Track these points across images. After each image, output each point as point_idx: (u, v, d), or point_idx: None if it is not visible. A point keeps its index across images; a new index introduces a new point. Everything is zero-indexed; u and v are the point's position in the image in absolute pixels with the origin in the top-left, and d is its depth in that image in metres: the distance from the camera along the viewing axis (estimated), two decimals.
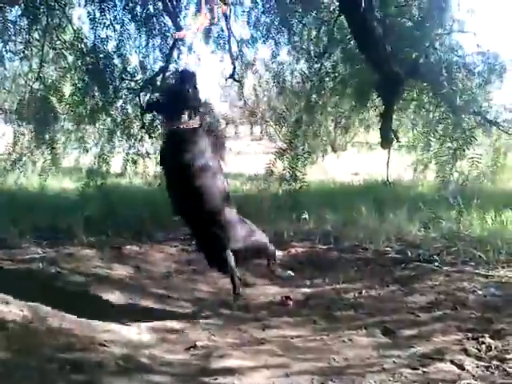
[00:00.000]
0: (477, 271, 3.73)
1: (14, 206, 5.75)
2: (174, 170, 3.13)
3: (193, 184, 3.03)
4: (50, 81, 5.99)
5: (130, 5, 5.74)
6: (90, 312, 2.98)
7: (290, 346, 2.71)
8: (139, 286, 3.71)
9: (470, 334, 2.64)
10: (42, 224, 5.22)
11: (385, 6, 5.51)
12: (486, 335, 2.59)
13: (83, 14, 6.22)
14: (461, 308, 3.03)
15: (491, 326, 2.73)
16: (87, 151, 6.52)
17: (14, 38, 6.12)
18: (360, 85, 6.25)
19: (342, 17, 5.62)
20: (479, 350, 2.47)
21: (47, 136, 5.67)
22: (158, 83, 5.93)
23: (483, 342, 2.52)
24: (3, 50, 6.16)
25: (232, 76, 6.46)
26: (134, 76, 5.96)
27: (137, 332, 2.82)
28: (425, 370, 2.30)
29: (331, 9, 6.09)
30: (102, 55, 5.59)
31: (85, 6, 5.97)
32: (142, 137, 6.05)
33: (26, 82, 6.49)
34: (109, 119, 5.94)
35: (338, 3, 5.66)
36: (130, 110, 6.10)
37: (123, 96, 5.93)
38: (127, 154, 6.03)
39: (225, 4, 3.62)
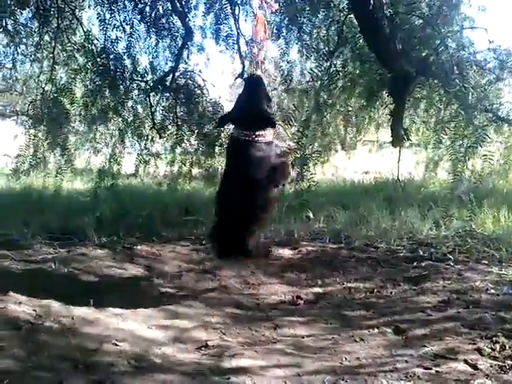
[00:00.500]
0: (490, 270, 3.70)
1: (26, 207, 5.81)
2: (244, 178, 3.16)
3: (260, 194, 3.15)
4: (61, 83, 6.04)
5: (140, 6, 5.77)
6: (102, 311, 3.00)
7: (301, 345, 2.71)
8: (151, 286, 3.72)
9: (483, 334, 2.62)
10: (53, 224, 5.27)
11: (395, 3, 5.47)
12: (500, 334, 2.56)
13: (93, 15, 6.27)
14: (474, 307, 3.00)
15: (505, 325, 2.70)
16: (98, 152, 6.58)
17: (25, 40, 6.20)
18: (370, 83, 6.22)
19: (352, 15, 5.59)
20: (493, 350, 2.44)
21: (60, 137, 5.71)
22: (168, 83, 5.95)
23: (497, 342, 2.50)
24: (15, 52, 6.24)
25: (241, 75, 6.46)
26: (144, 76, 5.99)
27: (149, 331, 2.83)
28: (438, 369, 2.29)
29: (341, 7, 6.06)
30: (112, 56, 5.62)
31: (95, 7, 6.02)
32: (152, 137, 6.08)
33: (37, 84, 6.56)
34: (120, 120, 5.97)
35: (347, 1, 5.64)
36: (140, 111, 6.13)
37: (133, 97, 5.97)
38: (139, 154, 6.07)
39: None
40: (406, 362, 2.39)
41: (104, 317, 2.92)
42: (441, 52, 5.17)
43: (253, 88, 3.26)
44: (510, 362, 2.30)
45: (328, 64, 5.93)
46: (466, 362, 2.34)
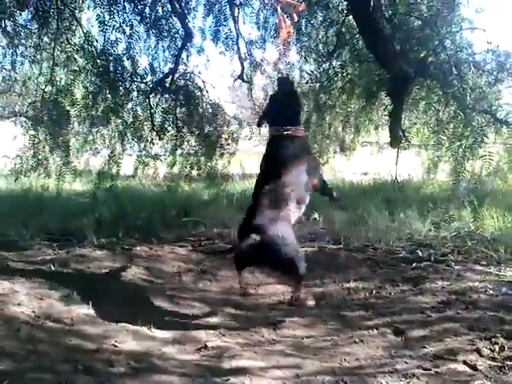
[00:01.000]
0: (489, 270, 3.69)
1: (25, 208, 5.80)
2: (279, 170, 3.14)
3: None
4: (61, 84, 6.04)
5: (139, 7, 5.77)
6: (101, 312, 3.00)
7: (301, 346, 2.71)
8: (150, 287, 3.72)
9: (482, 334, 2.62)
10: (52, 226, 5.27)
11: (393, 4, 5.49)
12: (499, 335, 2.56)
13: (93, 17, 6.28)
14: (473, 308, 3.00)
15: (504, 326, 2.70)
16: (98, 153, 6.59)
17: (24, 41, 6.20)
18: (369, 84, 6.23)
19: (351, 16, 5.61)
20: (492, 351, 2.45)
21: (60, 139, 5.71)
22: (168, 85, 5.96)
23: (496, 343, 2.50)
24: (14, 53, 6.25)
25: (241, 77, 6.48)
26: (144, 78, 6.00)
27: (148, 332, 2.83)
28: (437, 370, 2.29)
29: (339, 8, 6.08)
30: (111, 58, 5.62)
31: (94, 8, 6.02)
32: (152, 139, 6.09)
33: (36, 85, 6.57)
34: (119, 121, 5.97)
35: (346, 3, 5.65)
36: (140, 112, 6.14)
37: (133, 98, 5.97)
38: (139, 156, 6.07)
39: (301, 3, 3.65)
40: (406, 362, 2.40)
41: (103, 318, 2.92)
42: (439, 53, 5.18)
43: (286, 88, 3.44)
44: (509, 363, 2.30)
45: (327, 65, 5.95)
46: (465, 362, 2.34)
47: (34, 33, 6.00)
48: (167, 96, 6.08)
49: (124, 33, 5.69)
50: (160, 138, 6.05)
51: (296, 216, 3.15)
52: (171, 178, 6.32)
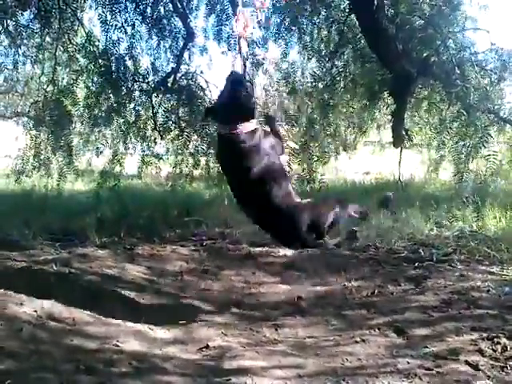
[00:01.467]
0: (491, 270, 3.69)
1: (28, 208, 5.82)
2: (239, 174, 3.06)
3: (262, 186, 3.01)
4: (63, 84, 6.05)
5: (141, 7, 5.77)
6: (104, 312, 3.00)
7: (302, 345, 2.70)
8: (152, 286, 3.73)
9: (484, 334, 2.61)
10: (55, 225, 5.28)
11: (396, 3, 5.47)
12: (501, 335, 2.55)
13: (94, 16, 6.29)
14: (475, 307, 2.99)
15: (506, 326, 2.69)
16: (101, 153, 6.59)
17: (26, 41, 6.21)
18: (371, 84, 6.21)
19: (353, 16, 5.59)
20: (494, 351, 2.44)
21: (62, 139, 5.71)
22: (170, 85, 5.96)
23: (498, 342, 2.49)
24: (16, 53, 6.26)
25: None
26: (146, 78, 5.99)
27: (150, 332, 2.83)
28: (439, 370, 2.28)
29: (342, 8, 6.06)
30: (113, 57, 5.62)
31: (96, 8, 6.03)
32: (154, 138, 6.09)
33: (38, 85, 6.58)
34: (122, 121, 5.97)
35: (348, 2, 5.64)
36: (142, 112, 6.13)
37: (135, 98, 5.97)
38: (142, 155, 6.07)
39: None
40: (407, 362, 2.39)
41: (105, 317, 2.93)
42: (442, 52, 5.16)
43: (232, 83, 3.14)
44: (511, 363, 2.30)
45: (329, 65, 5.93)
46: (467, 362, 2.33)
47: (36, 33, 6.01)
48: (169, 96, 6.08)
49: (126, 32, 5.70)
50: (162, 138, 6.06)
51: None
52: (173, 177, 6.31)
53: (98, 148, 6.71)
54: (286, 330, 2.97)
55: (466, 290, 3.29)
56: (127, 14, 5.74)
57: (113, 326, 2.82)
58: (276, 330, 2.96)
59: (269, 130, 3.25)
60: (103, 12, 5.67)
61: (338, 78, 6.16)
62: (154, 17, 5.83)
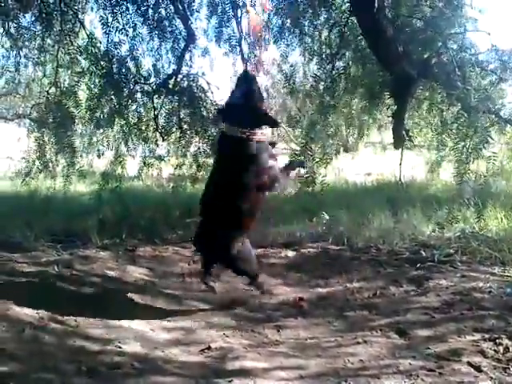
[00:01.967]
0: (493, 271, 3.68)
1: (30, 210, 5.83)
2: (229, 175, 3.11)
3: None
4: (65, 86, 6.05)
5: (142, 9, 5.78)
6: (105, 313, 3.00)
7: (304, 347, 2.71)
8: (153, 287, 3.73)
9: (486, 335, 2.61)
10: (56, 227, 5.29)
11: (396, 5, 5.47)
12: (504, 336, 2.55)
13: (96, 18, 6.30)
14: (477, 308, 2.99)
15: (509, 327, 2.69)
16: (102, 154, 6.59)
17: (27, 43, 6.22)
18: (372, 85, 6.22)
19: (353, 17, 5.60)
20: (496, 352, 2.44)
21: (65, 140, 5.71)
22: (171, 86, 5.96)
23: (500, 343, 2.49)
24: (18, 55, 6.27)
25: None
26: (148, 79, 6.00)
27: (152, 333, 2.84)
28: (441, 371, 2.28)
29: (342, 9, 6.07)
30: (115, 59, 5.63)
31: (97, 10, 6.05)
32: (156, 140, 6.09)
33: (40, 87, 6.59)
34: (123, 122, 5.97)
35: (349, 4, 5.65)
36: (144, 114, 6.14)
37: (137, 99, 5.97)
38: (144, 157, 6.07)
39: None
40: (409, 363, 2.39)
41: (107, 319, 2.93)
42: (442, 54, 5.16)
43: (247, 85, 3.17)
44: None
45: (330, 66, 5.94)
46: (469, 363, 2.33)
47: (38, 35, 6.01)
48: (171, 97, 6.08)
49: (127, 34, 5.69)
50: (164, 139, 6.06)
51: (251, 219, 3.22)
52: (175, 179, 6.31)
53: (99, 150, 6.72)
54: (287, 331, 2.97)
55: (467, 291, 3.28)
56: (128, 16, 5.73)
57: (115, 328, 2.83)
58: (278, 331, 2.97)
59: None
60: (104, 14, 5.67)
61: (339, 80, 6.15)
62: (156, 18, 5.83)
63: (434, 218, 5.03)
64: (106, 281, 3.73)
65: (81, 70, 5.94)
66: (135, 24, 5.75)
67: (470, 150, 4.64)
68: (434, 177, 6.77)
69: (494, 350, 2.45)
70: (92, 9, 6.39)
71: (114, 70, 5.60)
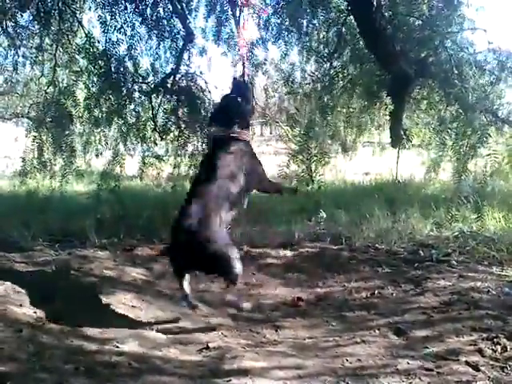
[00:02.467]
0: (491, 271, 3.69)
1: (27, 209, 5.82)
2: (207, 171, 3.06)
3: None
4: (63, 85, 6.05)
5: (140, 8, 5.77)
6: (103, 313, 3.00)
7: (302, 346, 2.71)
8: (152, 287, 3.73)
9: (484, 335, 2.61)
10: (54, 226, 5.28)
11: (394, 4, 5.48)
12: (501, 335, 2.56)
13: (94, 18, 6.29)
14: (475, 308, 2.99)
15: (506, 326, 2.69)
16: (101, 154, 6.59)
17: (25, 42, 6.21)
18: (370, 84, 6.23)
19: (351, 17, 5.60)
20: (494, 351, 2.44)
21: (63, 140, 5.71)
22: (170, 86, 5.96)
23: (498, 343, 2.49)
24: (15, 55, 6.26)
25: (242, 77, 6.47)
26: (146, 78, 6.00)
27: (150, 333, 2.83)
28: (439, 371, 2.29)
29: (340, 9, 6.07)
30: (113, 58, 5.62)
31: (95, 9, 6.04)
32: (154, 139, 6.09)
33: (38, 86, 6.58)
34: (122, 122, 5.97)
35: (346, 3, 5.65)
36: (142, 113, 6.13)
37: (135, 99, 5.97)
38: (142, 156, 6.07)
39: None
40: (408, 363, 2.39)
41: (105, 318, 2.93)
42: (440, 53, 5.18)
43: (234, 89, 3.33)
44: (511, 364, 2.30)
45: (328, 66, 5.95)
46: (467, 363, 2.34)
47: (36, 34, 6.01)
48: (169, 96, 6.08)
49: (125, 34, 5.69)
50: (162, 139, 6.05)
51: (228, 218, 3.00)
52: (174, 178, 6.31)
53: (97, 149, 6.72)
54: (286, 331, 2.97)
55: (465, 291, 3.29)
56: (127, 15, 5.74)
57: (112, 328, 2.82)
58: (276, 330, 2.97)
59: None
60: (103, 13, 5.68)
61: (337, 79, 6.17)
62: (154, 18, 5.83)
63: (432, 218, 5.03)
64: (104, 280, 3.72)
65: (79, 69, 5.95)
66: (133, 23, 5.76)
67: (468, 149, 4.65)
68: (432, 176, 6.79)
69: (492, 350, 2.45)
70: (90, 8, 6.38)
71: (113, 70, 5.60)
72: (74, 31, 5.99)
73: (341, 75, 6.25)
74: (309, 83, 6.53)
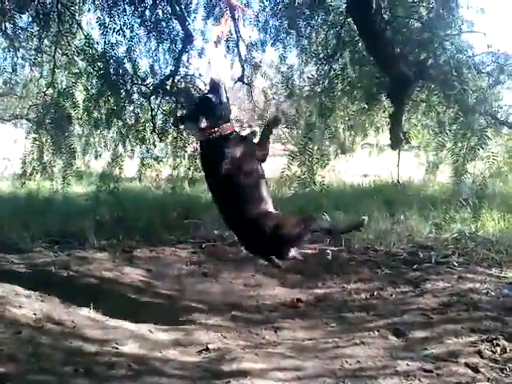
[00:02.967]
0: (490, 272, 3.70)
1: (26, 211, 5.81)
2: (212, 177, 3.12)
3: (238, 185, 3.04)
4: (62, 87, 6.04)
5: (139, 10, 5.78)
6: (103, 315, 3.00)
7: (301, 348, 2.71)
8: (151, 289, 3.72)
9: (484, 336, 2.61)
10: (53, 228, 5.27)
11: (393, 7, 5.48)
12: (501, 337, 2.56)
13: (93, 19, 6.29)
14: (474, 309, 3.00)
15: (506, 328, 2.70)
16: (100, 156, 6.58)
17: (24, 44, 6.21)
18: (369, 87, 6.22)
19: (350, 19, 5.60)
20: (494, 352, 2.44)
21: (62, 141, 5.70)
22: (169, 87, 5.96)
23: (498, 344, 2.50)
24: (14, 56, 6.26)
25: (241, 79, 6.49)
26: (145, 80, 5.99)
27: (149, 334, 2.83)
28: (438, 372, 2.29)
29: (339, 11, 6.08)
30: (112, 60, 5.62)
31: (94, 11, 6.03)
32: (153, 141, 6.09)
33: (37, 88, 6.57)
34: (121, 123, 5.97)
35: (346, 5, 5.66)
36: (141, 114, 6.13)
37: (134, 100, 5.96)
38: (142, 158, 6.07)
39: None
40: (407, 364, 2.39)
41: (104, 320, 2.93)
42: (439, 55, 5.18)
43: (209, 90, 3.24)
44: (510, 365, 2.30)
45: (327, 68, 5.95)
46: (466, 364, 2.34)
47: (35, 35, 6.00)
48: (168, 98, 6.08)
49: (124, 35, 5.68)
50: (161, 140, 6.05)
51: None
52: (173, 180, 6.31)
53: (96, 151, 6.72)
54: (285, 332, 2.97)
55: (464, 292, 3.29)
56: (126, 17, 5.73)
57: (112, 329, 2.82)
58: (275, 332, 2.97)
59: (244, 134, 3.27)
60: (102, 15, 5.68)
61: (336, 81, 6.16)
62: (153, 20, 5.83)
63: (431, 220, 5.04)
64: (103, 282, 3.72)
65: (78, 70, 5.94)
66: (132, 25, 5.75)
67: (466, 151, 4.66)
68: (432, 178, 6.79)
69: (492, 351, 2.46)
70: (89, 10, 6.37)
71: (112, 71, 5.59)
72: (73, 33, 5.98)
73: (340, 77, 6.24)
74: (308, 85, 6.52)
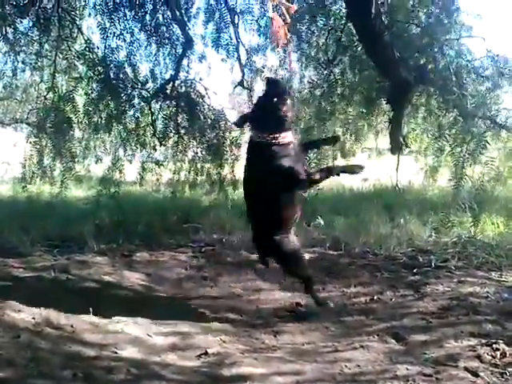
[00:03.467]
0: (489, 276, 3.70)
1: (26, 214, 5.81)
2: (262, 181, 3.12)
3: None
4: (62, 91, 6.06)
5: (140, 14, 5.80)
6: (102, 319, 2.99)
7: (301, 352, 2.70)
8: (150, 293, 3.72)
9: (483, 340, 2.61)
10: (53, 232, 5.27)
11: (393, 12, 5.51)
12: (500, 341, 2.55)
13: (93, 24, 6.32)
14: (474, 313, 2.99)
15: (505, 332, 2.69)
16: (100, 160, 6.59)
17: (25, 49, 6.23)
18: (369, 91, 6.24)
19: (350, 23, 5.63)
20: (493, 357, 2.44)
21: (63, 146, 5.71)
22: (169, 92, 5.98)
23: (497, 348, 2.49)
24: (15, 60, 6.28)
25: (241, 83, 6.51)
26: (145, 85, 6.01)
27: (148, 338, 2.82)
28: (438, 376, 2.28)
29: (339, 16, 6.10)
30: (112, 65, 5.64)
31: (95, 16, 6.07)
32: (154, 145, 6.10)
33: (38, 92, 6.60)
34: (121, 128, 5.98)
35: (346, 10, 5.68)
36: (141, 119, 6.15)
37: (135, 105, 5.98)
38: (142, 162, 6.08)
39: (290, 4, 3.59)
40: (407, 368, 2.38)
41: (103, 324, 2.92)
42: (438, 60, 5.20)
43: (271, 89, 3.16)
44: (510, 369, 2.30)
45: (327, 72, 5.97)
46: (466, 369, 2.33)
47: (35, 40, 6.03)
48: (168, 102, 6.10)
49: (125, 40, 5.73)
50: (161, 145, 6.06)
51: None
52: (173, 184, 6.32)
53: (97, 155, 6.73)
54: (284, 336, 2.96)
55: (464, 296, 3.29)
56: (126, 22, 5.78)
57: (111, 333, 2.81)
58: (275, 336, 2.96)
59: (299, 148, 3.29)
60: (102, 20, 5.71)
61: (336, 86, 6.19)
62: (153, 24, 5.86)
63: (431, 224, 5.03)
64: (103, 286, 3.72)
65: (78, 75, 5.96)
66: (133, 30, 5.80)
67: (466, 155, 4.66)
68: (431, 182, 6.80)
69: (491, 355, 2.45)
70: (90, 14, 6.43)
71: (112, 76, 5.62)
72: (73, 37, 6.00)
73: (340, 82, 6.26)
74: (308, 89, 6.54)
